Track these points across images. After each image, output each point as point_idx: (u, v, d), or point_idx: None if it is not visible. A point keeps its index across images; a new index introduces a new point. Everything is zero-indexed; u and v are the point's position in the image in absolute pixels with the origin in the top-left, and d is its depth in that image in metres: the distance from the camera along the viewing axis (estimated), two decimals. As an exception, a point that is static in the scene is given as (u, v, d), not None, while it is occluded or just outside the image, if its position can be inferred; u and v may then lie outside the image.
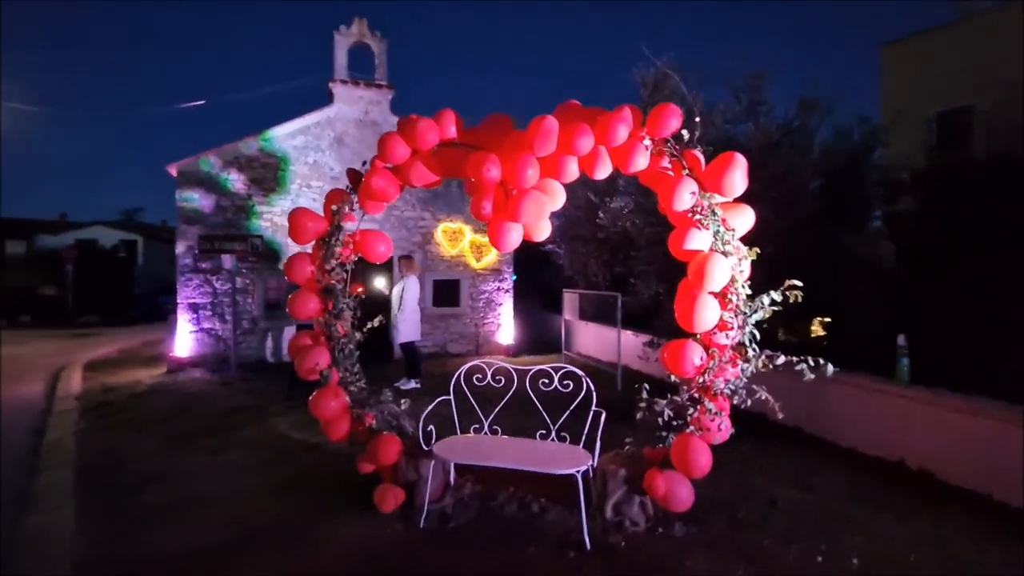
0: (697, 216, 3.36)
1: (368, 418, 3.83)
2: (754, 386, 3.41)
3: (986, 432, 4.04)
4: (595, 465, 3.66)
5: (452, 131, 3.63)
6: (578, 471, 3.35)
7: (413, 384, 7.53)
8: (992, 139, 8.23)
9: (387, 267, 10.23)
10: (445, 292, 10.66)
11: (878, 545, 3.30)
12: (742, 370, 3.39)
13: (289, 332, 8.58)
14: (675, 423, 3.47)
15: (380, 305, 8.88)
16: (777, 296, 3.37)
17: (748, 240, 3.49)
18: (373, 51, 9.97)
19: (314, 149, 9.76)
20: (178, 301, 9.27)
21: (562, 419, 3.90)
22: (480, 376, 3.95)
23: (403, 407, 4.09)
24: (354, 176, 3.86)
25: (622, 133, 3.31)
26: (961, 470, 4.16)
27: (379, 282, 10.60)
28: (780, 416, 3.42)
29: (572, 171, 3.51)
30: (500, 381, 3.96)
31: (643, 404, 3.52)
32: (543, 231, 3.62)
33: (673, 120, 3.33)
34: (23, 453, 5.15)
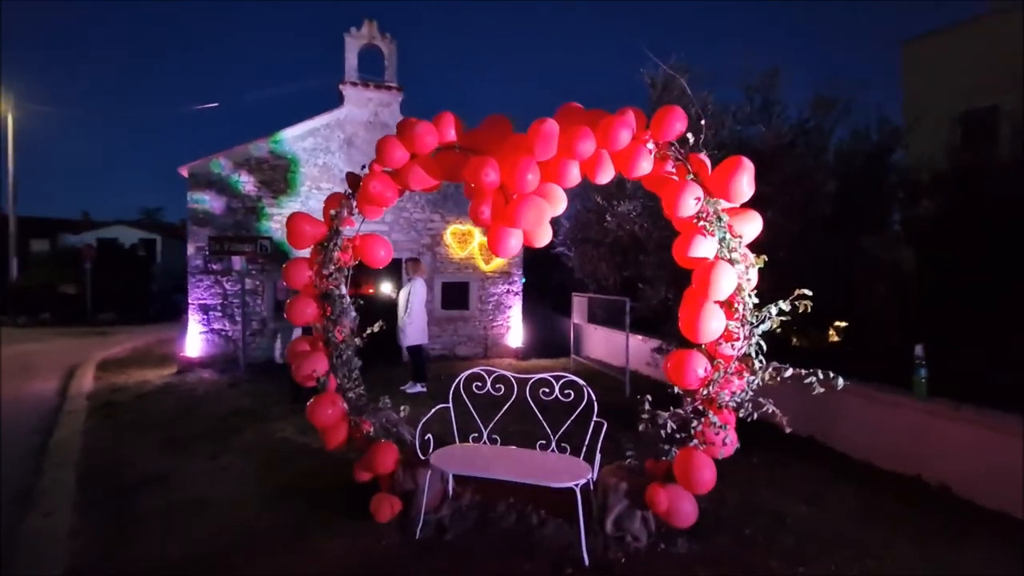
0: (702, 222, 3.24)
1: (366, 425, 3.77)
2: (761, 399, 3.29)
3: (1010, 449, 3.85)
4: (595, 478, 3.56)
5: (451, 134, 3.56)
6: (577, 485, 3.25)
7: (419, 388, 7.48)
8: (1020, 139, 7.93)
9: (395, 270, 10.20)
10: (454, 294, 10.60)
11: (891, 570, 3.16)
12: (748, 382, 3.27)
13: (297, 334, 8.59)
14: (678, 436, 3.36)
15: (386, 308, 8.86)
16: (785, 306, 3.23)
17: (758, 245, 3.36)
18: (383, 53, 9.95)
19: (324, 151, 9.76)
20: (189, 302, 9.34)
21: (563, 429, 3.80)
22: (480, 384, 3.87)
23: (402, 414, 4.03)
24: (353, 180, 3.80)
25: (624, 136, 3.21)
26: (983, 489, 3.97)
27: (386, 287, 10.59)
28: (788, 431, 3.28)
29: (574, 175, 3.42)
30: (500, 389, 3.87)
31: (646, 416, 3.41)
32: (543, 237, 3.53)
33: (677, 123, 3.21)
34: (31, 451, 5.19)
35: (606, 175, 3.38)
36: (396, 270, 10.11)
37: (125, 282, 21.81)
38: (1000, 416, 3.99)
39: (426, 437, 3.75)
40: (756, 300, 3.29)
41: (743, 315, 3.26)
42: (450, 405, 3.94)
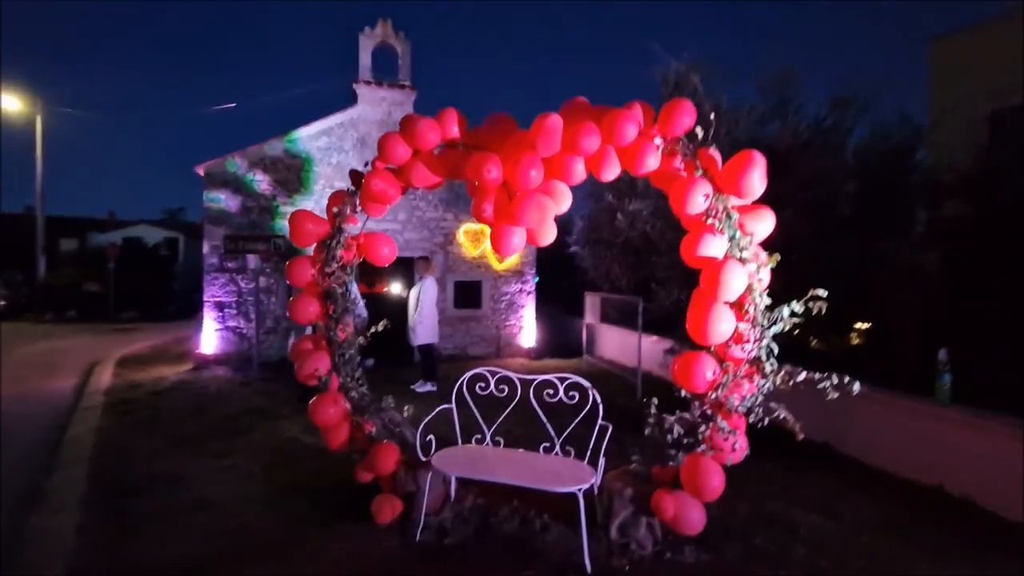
0: (711, 220, 3.13)
1: (368, 425, 3.73)
2: (772, 403, 3.16)
3: (1037, 460, 3.67)
4: (599, 483, 3.47)
5: (455, 131, 3.50)
6: (579, 490, 3.16)
7: (429, 387, 7.45)
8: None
9: (408, 269, 10.20)
10: (466, 294, 10.56)
11: (908, 584, 3.01)
12: (759, 386, 3.15)
13: (310, 332, 8.64)
14: (686, 441, 3.25)
15: (397, 307, 8.86)
16: (799, 307, 3.11)
17: (772, 245, 3.24)
18: (397, 52, 9.96)
19: (337, 150, 9.80)
20: (205, 299, 9.45)
21: (567, 432, 3.71)
22: (483, 384, 3.80)
23: (405, 415, 3.98)
24: (356, 177, 3.76)
25: (631, 131, 3.11)
26: (1009, 501, 3.79)
27: (396, 286, 10.60)
28: (800, 437, 3.14)
29: (579, 172, 3.33)
30: (503, 390, 3.80)
31: (652, 420, 3.31)
32: (547, 235, 3.45)
33: (686, 117, 3.11)
34: (44, 449, 5.26)
35: (612, 172, 3.29)
36: (409, 269, 10.12)
37: (148, 281, 22.24)
38: (1028, 425, 3.80)
39: (428, 438, 3.68)
40: (768, 301, 3.17)
41: (754, 316, 3.14)
42: (453, 406, 3.88)
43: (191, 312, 19.68)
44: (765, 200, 3.22)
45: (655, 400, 3.32)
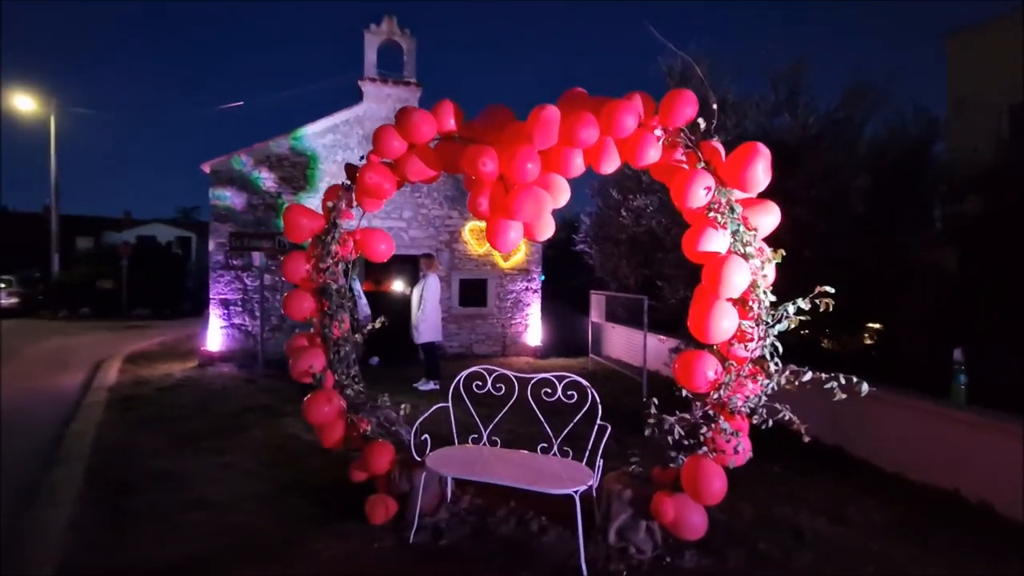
0: (714, 214, 3.02)
1: (363, 423, 3.66)
2: (778, 404, 3.04)
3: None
4: (597, 484, 3.37)
5: (451, 123, 3.43)
6: (576, 492, 3.07)
7: (432, 385, 7.38)
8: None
9: (414, 267, 10.16)
10: (472, 292, 10.49)
11: (920, 594, 2.89)
12: (763, 386, 3.03)
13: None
14: (687, 442, 3.14)
15: (402, 305, 8.81)
16: (804, 304, 2.98)
17: (782, 243, 3.12)
18: (403, 49, 9.91)
19: (343, 148, 9.77)
20: (210, 297, 9.47)
21: (565, 431, 3.61)
22: (480, 383, 3.72)
23: (401, 413, 3.91)
24: (351, 171, 3.70)
25: (630, 122, 3.01)
26: (1027, 506, 3.63)
27: (398, 284, 10.55)
28: (806, 439, 3.02)
29: (577, 165, 3.24)
30: (500, 389, 3.71)
31: (652, 420, 3.20)
32: (545, 230, 3.36)
33: (688, 108, 3.00)
34: (45, 444, 5.26)
35: (611, 164, 3.19)
36: (415, 267, 10.07)
37: (160, 278, 22.45)
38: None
39: (423, 437, 3.61)
40: (773, 298, 3.05)
41: (758, 314, 3.02)
42: (449, 404, 3.80)
43: (202, 310, 19.82)
44: (774, 196, 3.10)
45: (655, 400, 3.21)
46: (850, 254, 5.36)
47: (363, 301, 8.47)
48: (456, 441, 3.82)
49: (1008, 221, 5.56)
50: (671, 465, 3.21)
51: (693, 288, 3.17)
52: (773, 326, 3.02)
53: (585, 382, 3.56)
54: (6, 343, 11.56)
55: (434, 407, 3.80)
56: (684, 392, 3.18)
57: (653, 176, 3.40)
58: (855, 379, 2.89)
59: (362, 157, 3.63)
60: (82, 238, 30.72)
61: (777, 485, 4.19)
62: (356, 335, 3.90)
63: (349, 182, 3.68)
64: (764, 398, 3.04)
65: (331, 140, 9.74)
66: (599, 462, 3.38)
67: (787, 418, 3.01)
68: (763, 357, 3.03)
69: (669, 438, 3.14)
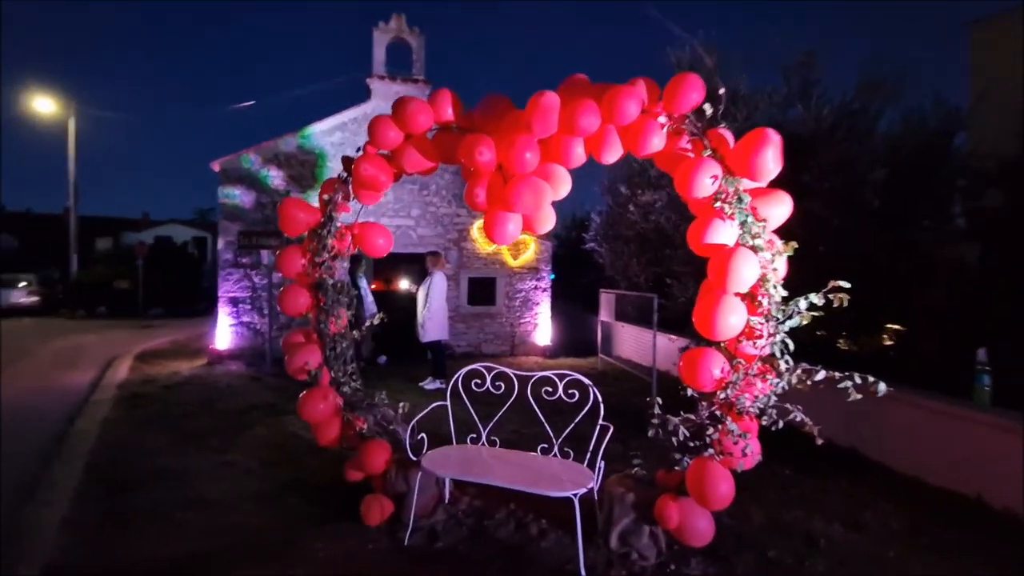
0: (720, 204, 2.88)
1: (359, 422, 3.58)
2: (789, 405, 2.90)
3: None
4: (599, 487, 3.24)
5: (448, 113, 3.33)
6: (575, 495, 2.95)
7: (438, 384, 7.29)
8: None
9: (423, 265, 10.08)
10: (480, 290, 10.39)
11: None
12: (773, 386, 2.88)
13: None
14: (692, 444, 3.01)
15: (410, 304, 8.74)
16: (817, 299, 2.83)
17: (792, 236, 2.96)
18: (411, 47, 9.86)
19: (351, 146, 9.72)
20: (219, 295, 9.49)
21: (566, 432, 3.49)
22: (479, 381, 3.61)
23: (399, 411, 3.82)
24: (348, 164, 3.62)
25: (632, 109, 2.88)
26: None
27: (404, 283, 10.49)
28: (820, 442, 2.87)
29: (578, 155, 3.13)
30: (500, 388, 3.60)
31: (655, 421, 3.07)
32: (545, 222, 3.25)
33: (693, 93, 2.86)
34: (49, 441, 5.26)
35: (613, 153, 3.07)
36: (424, 265, 10.00)
37: (176, 278, 22.72)
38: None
39: (419, 436, 3.51)
40: (784, 293, 2.90)
41: (768, 310, 2.88)
42: (448, 403, 3.70)
43: (215, 308, 20.01)
44: (786, 189, 2.95)
45: (658, 400, 3.08)
46: (865, 249, 5.16)
47: (369, 299, 8.42)
48: (455, 441, 3.72)
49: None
50: (676, 468, 3.08)
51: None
52: (784, 322, 2.87)
53: (587, 380, 3.44)
54: (23, 342, 11.72)
55: (431, 405, 3.70)
56: (690, 392, 3.04)
57: (657, 166, 3.27)
58: (871, 379, 2.74)
59: (358, 149, 3.55)
60: (101, 239, 31.27)
61: (789, 488, 4.03)
62: (354, 332, 3.82)
63: (345, 174, 3.60)
64: (774, 398, 2.89)
65: (339, 138, 9.70)
66: (599, 464, 3.26)
67: (799, 419, 2.86)
68: (773, 355, 2.89)
69: (673, 439, 3.01)
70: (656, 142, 2.95)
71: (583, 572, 2.88)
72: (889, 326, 6.60)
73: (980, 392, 4.32)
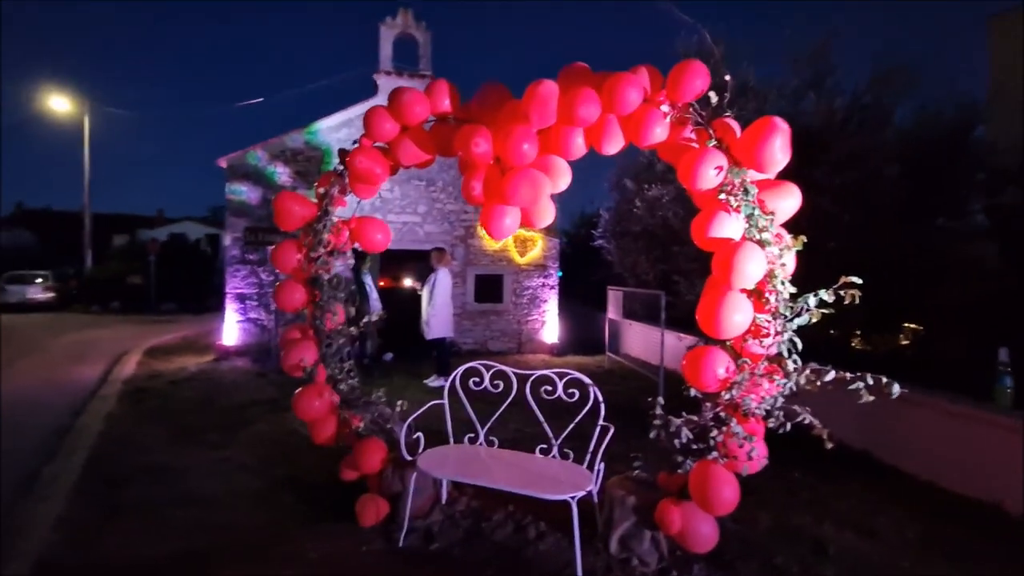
0: (726, 196, 2.76)
1: (355, 420, 3.51)
2: (796, 406, 2.77)
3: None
4: (599, 489, 3.14)
5: (445, 104, 3.24)
6: (573, 498, 2.86)
7: (442, 382, 7.19)
8: None
9: (428, 262, 10.02)
10: (487, 287, 10.31)
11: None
12: (780, 386, 2.76)
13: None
14: (696, 446, 2.89)
15: (411, 301, 8.68)
16: (827, 296, 2.70)
17: (802, 232, 2.84)
18: (418, 42, 9.78)
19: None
20: (226, 291, 9.50)
21: (566, 432, 3.39)
22: (477, 380, 3.53)
23: (397, 409, 3.74)
24: (344, 156, 3.54)
25: (634, 98, 2.78)
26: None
27: (408, 280, 10.42)
28: (829, 445, 2.74)
29: (578, 146, 3.02)
30: (499, 386, 3.51)
31: (658, 422, 2.96)
32: (544, 215, 3.15)
33: (697, 81, 2.75)
34: (52, 435, 5.26)
35: (614, 144, 2.96)
36: (425, 261, 9.94)
37: (188, 274, 22.90)
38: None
39: (415, 436, 3.43)
40: (793, 289, 2.78)
41: (775, 307, 2.76)
42: (445, 402, 3.62)
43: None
44: (796, 183, 2.82)
45: (660, 400, 2.96)
46: (878, 245, 4.98)
47: (374, 296, 8.37)
48: (452, 440, 3.63)
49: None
50: (679, 470, 2.97)
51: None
52: (792, 320, 2.75)
53: (587, 380, 3.34)
54: (35, 336, 11.85)
55: (428, 404, 3.62)
56: (693, 392, 2.93)
57: (661, 157, 3.16)
58: (884, 379, 2.60)
59: (354, 141, 3.47)
60: (117, 235, 31.66)
61: (797, 492, 3.90)
62: (351, 328, 3.75)
63: (341, 167, 3.53)
64: (781, 399, 2.77)
65: (346, 134, 9.64)
66: (599, 466, 3.15)
67: (807, 421, 2.74)
68: (780, 354, 2.76)
69: (676, 441, 2.90)
70: (659, 132, 2.84)
71: (580, 577, 2.78)
72: (906, 325, 6.41)
73: (1001, 394, 4.15)
